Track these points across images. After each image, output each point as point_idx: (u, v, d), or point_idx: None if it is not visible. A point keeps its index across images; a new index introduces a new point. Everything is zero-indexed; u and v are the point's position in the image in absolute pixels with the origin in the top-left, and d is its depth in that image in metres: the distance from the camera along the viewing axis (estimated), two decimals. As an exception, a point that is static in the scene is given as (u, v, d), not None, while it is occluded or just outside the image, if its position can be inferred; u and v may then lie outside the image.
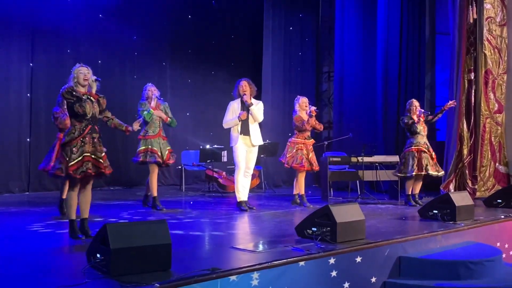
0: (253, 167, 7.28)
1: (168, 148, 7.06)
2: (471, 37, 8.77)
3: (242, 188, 7.10)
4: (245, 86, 7.03)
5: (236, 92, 7.14)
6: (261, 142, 7.27)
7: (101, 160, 4.77)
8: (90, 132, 4.74)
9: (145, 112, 6.90)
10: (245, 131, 7.06)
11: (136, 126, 5.51)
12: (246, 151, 7.12)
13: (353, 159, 8.52)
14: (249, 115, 7.05)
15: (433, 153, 7.70)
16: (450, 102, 7.84)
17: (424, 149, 7.61)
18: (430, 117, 7.87)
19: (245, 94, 6.99)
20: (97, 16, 10.10)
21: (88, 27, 9.92)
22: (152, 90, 7.04)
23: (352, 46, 11.31)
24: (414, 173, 7.58)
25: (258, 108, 7.07)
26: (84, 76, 4.77)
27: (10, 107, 9.02)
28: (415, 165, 7.58)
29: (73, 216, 4.78)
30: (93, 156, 4.72)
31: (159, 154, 6.91)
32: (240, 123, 7.03)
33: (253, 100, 7.10)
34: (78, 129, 4.69)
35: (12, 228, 5.50)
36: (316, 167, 7.67)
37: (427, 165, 7.54)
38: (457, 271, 4.70)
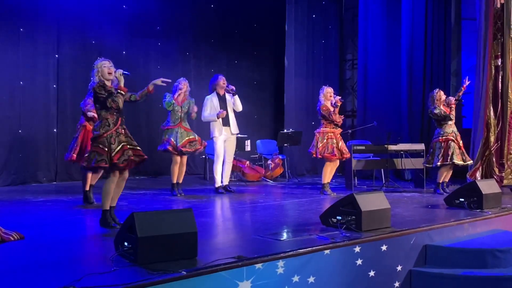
0: (233, 154, 8.05)
1: (188, 138, 7.20)
2: (498, 22, 8.57)
3: (219, 175, 7.76)
4: (224, 79, 7.70)
5: (215, 86, 7.75)
6: (238, 131, 7.93)
7: (138, 148, 4.85)
8: (121, 124, 4.81)
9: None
10: (226, 122, 7.69)
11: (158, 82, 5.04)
12: (225, 141, 7.75)
13: (379, 148, 8.46)
14: (228, 107, 7.67)
15: (461, 142, 7.61)
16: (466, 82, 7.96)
17: (452, 138, 7.53)
18: (458, 98, 7.88)
19: (230, 85, 7.68)
20: (121, 7, 10.19)
21: (112, 18, 10.02)
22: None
23: (376, 34, 11.17)
24: (439, 163, 7.51)
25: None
26: (108, 70, 4.78)
27: (37, 98, 9.15)
28: (440, 155, 7.51)
29: (108, 206, 4.83)
30: (129, 146, 4.78)
31: (173, 142, 7.13)
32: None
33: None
34: (111, 122, 4.73)
35: (40, 217, 5.61)
36: (346, 154, 7.64)
37: (452, 154, 7.46)
38: (484, 260, 4.65)
